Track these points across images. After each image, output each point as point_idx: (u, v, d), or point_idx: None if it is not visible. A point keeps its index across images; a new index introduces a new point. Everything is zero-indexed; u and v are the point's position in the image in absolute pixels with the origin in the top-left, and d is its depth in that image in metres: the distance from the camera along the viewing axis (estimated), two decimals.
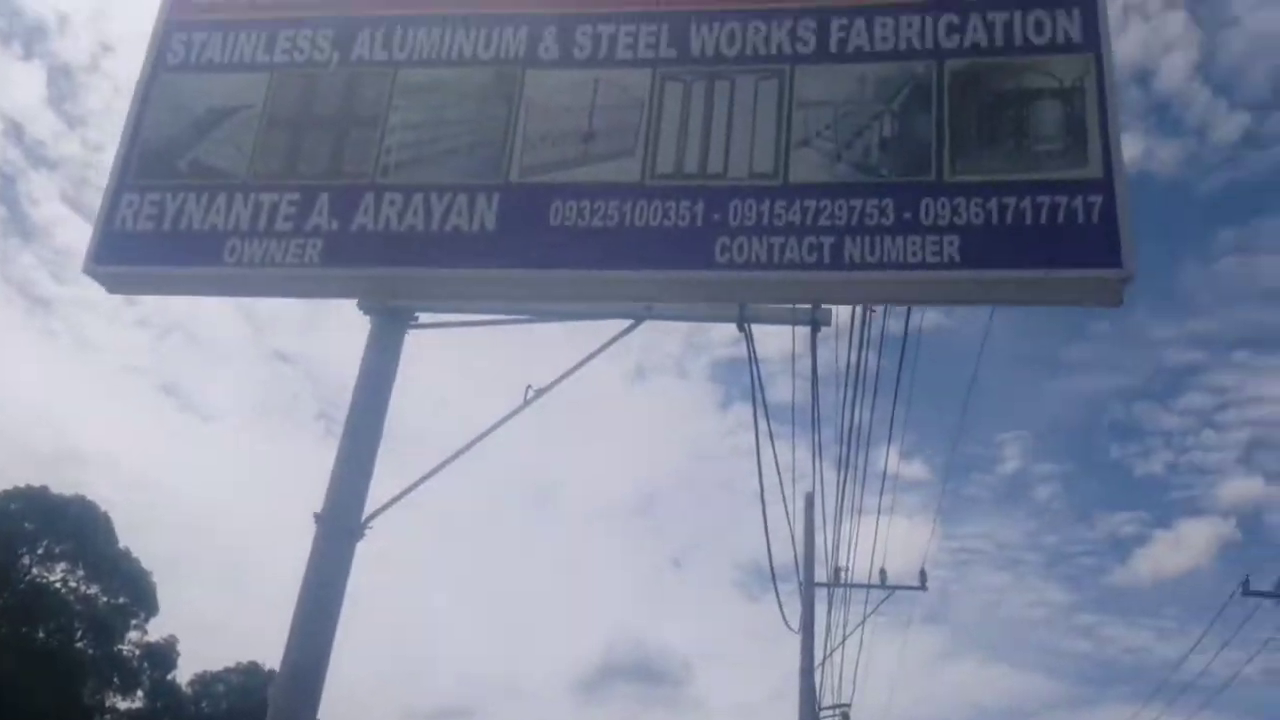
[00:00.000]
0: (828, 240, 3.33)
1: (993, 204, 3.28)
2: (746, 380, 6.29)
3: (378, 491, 3.93)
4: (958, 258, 3.22)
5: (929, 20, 3.65)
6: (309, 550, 3.77)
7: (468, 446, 4.03)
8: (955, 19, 3.63)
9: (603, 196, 3.56)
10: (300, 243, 3.68)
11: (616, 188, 3.57)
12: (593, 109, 3.75)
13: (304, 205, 3.74)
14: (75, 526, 27.45)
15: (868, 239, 3.31)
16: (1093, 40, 3.49)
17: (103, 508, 28.68)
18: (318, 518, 3.80)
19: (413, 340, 4.21)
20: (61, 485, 28.34)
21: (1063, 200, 3.24)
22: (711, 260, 3.38)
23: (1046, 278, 3.19)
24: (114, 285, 3.93)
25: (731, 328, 4.28)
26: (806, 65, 3.67)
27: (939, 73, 3.56)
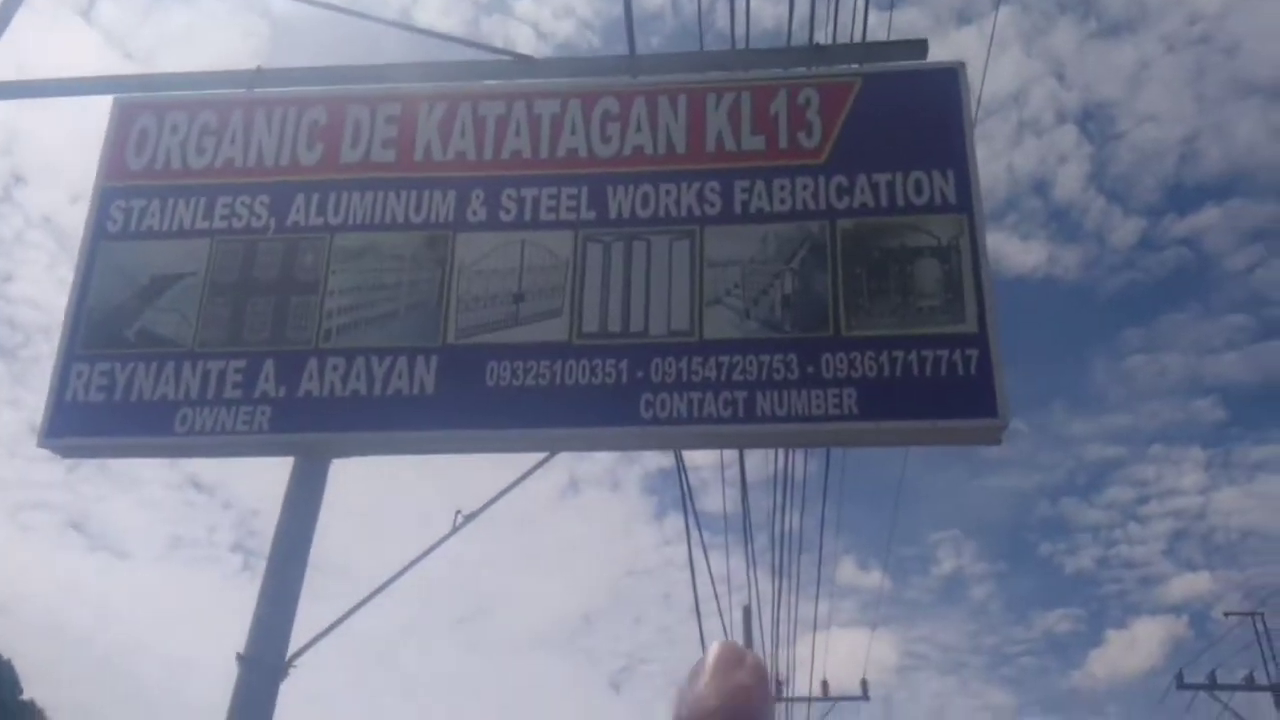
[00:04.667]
0: (741, 395, 3.68)
1: (884, 358, 3.67)
2: (680, 490, 6.59)
3: (302, 627, 3.90)
4: (855, 410, 3.60)
5: (821, 181, 4.06)
6: (230, 692, 3.70)
7: (396, 576, 4.04)
8: (845, 180, 4.04)
9: (534, 356, 3.86)
10: (249, 410, 3.91)
11: (546, 348, 3.88)
12: (521, 270, 4.06)
13: (250, 373, 3.96)
14: None
15: (776, 393, 3.67)
16: (965, 201, 3.92)
17: (5, 655, 26.43)
18: (240, 658, 3.74)
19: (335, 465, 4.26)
20: None
21: (944, 354, 3.65)
22: (637, 416, 3.70)
23: (933, 427, 3.59)
24: (67, 453, 4.09)
25: None
26: (715, 225, 4.03)
27: (832, 232, 3.95)
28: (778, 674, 14.66)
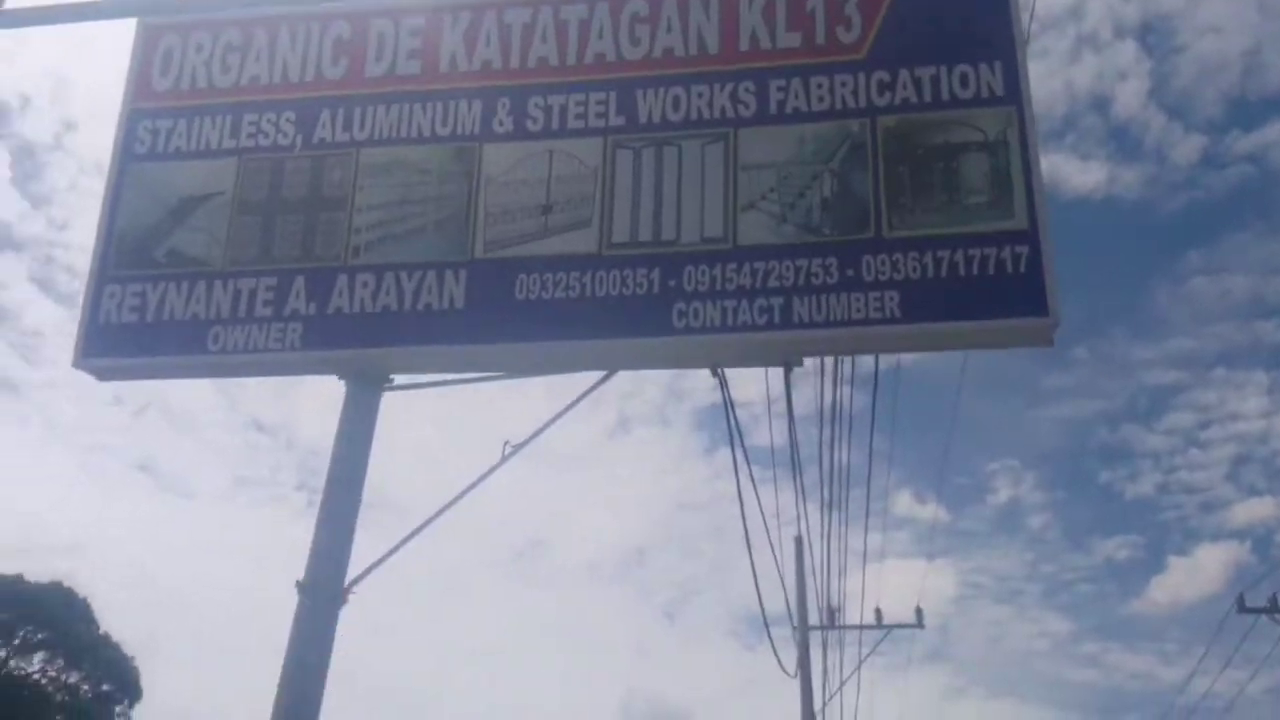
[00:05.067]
0: (777, 301, 3.55)
1: (928, 258, 3.50)
2: (726, 420, 6.47)
3: (360, 557, 3.90)
4: (898, 313, 3.45)
5: (861, 78, 3.86)
6: (291, 620, 3.72)
7: (447, 506, 4.04)
8: (886, 76, 3.83)
9: (564, 268, 3.76)
10: (280, 327, 3.87)
11: (576, 259, 3.77)
12: (549, 180, 3.94)
13: (281, 290, 3.92)
14: (53, 614, 26.09)
15: (814, 298, 3.53)
16: (1014, 93, 3.71)
17: (81, 593, 27.51)
18: (299, 586, 3.75)
19: (389, 400, 4.29)
20: (37, 573, 26.95)
21: (992, 252, 3.47)
22: (669, 327, 3.59)
23: (981, 328, 3.43)
24: (104, 375, 4.11)
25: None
26: (749, 128, 3.86)
27: (873, 130, 3.77)
28: (830, 603, 14.65)
